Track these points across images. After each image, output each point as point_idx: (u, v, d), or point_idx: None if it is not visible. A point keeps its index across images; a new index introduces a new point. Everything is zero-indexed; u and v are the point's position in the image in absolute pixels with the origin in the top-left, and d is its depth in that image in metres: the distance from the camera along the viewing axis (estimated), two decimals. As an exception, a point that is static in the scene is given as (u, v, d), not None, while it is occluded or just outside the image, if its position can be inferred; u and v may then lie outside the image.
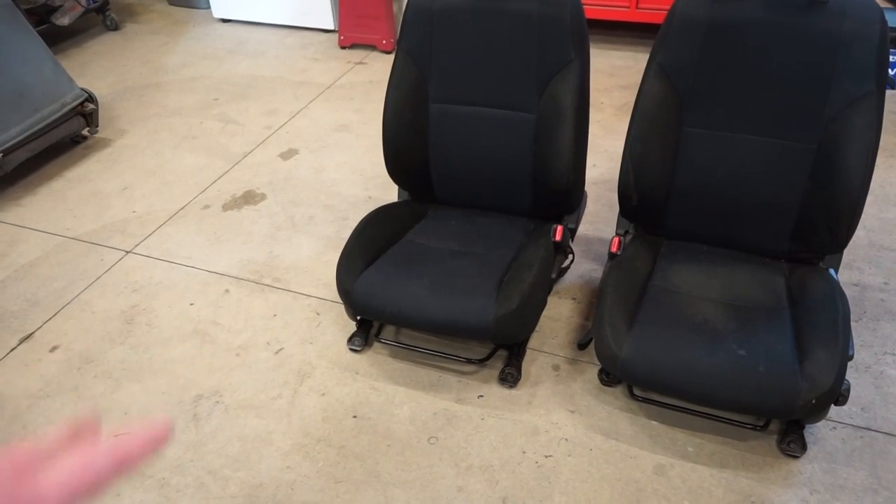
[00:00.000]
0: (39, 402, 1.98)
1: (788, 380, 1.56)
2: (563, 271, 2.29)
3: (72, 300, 2.35)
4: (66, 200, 2.87)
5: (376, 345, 2.11)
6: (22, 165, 2.92)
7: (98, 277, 2.44)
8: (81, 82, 3.60)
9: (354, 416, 1.90)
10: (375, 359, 2.07)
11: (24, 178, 3.01)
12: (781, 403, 1.56)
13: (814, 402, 1.54)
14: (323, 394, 1.97)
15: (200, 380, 2.03)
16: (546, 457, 1.76)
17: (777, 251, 1.92)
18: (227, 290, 2.36)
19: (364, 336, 2.11)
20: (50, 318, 2.28)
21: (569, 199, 2.10)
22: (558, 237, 2.01)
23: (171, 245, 2.59)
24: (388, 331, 2.14)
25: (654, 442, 1.78)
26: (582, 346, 2.03)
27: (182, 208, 2.79)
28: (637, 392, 1.87)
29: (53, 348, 2.16)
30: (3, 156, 2.76)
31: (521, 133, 2.04)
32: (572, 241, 2.27)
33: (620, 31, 4.07)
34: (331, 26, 4.23)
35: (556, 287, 2.29)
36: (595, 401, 1.90)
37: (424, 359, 2.04)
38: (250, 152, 3.15)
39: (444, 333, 1.83)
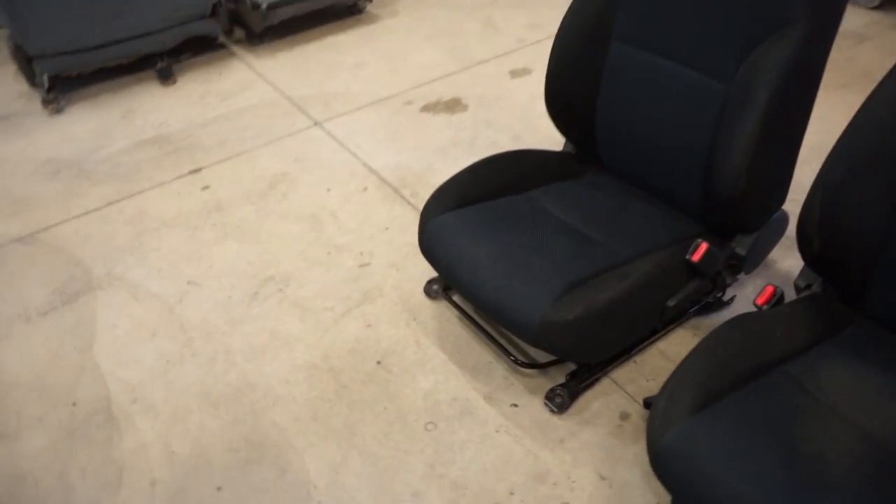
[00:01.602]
0: (163, 228, 2.14)
1: None
2: (709, 305, 1.71)
3: (246, 151, 2.46)
4: (307, 63, 3.00)
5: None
6: (297, 23, 3.11)
7: (279, 139, 2.52)
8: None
9: (378, 362, 1.68)
10: (441, 313, 1.80)
11: (291, 35, 3.21)
12: None
13: None
14: (369, 325, 1.78)
15: (283, 263, 1.98)
16: (533, 513, 1.36)
17: None
18: (365, 188, 2.25)
19: (443, 285, 1.84)
20: (221, 161, 2.42)
21: (741, 214, 1.50)
22: (695, 257, 1.46)
23: (353, 129, 2.54)
24: (470, 289, 1.84)
25: (679, 573, 1.26)
26: (647, 405, 1.50)
27: (387, 98, 2.72)
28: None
29: (205, 188, 2.30)
30: (267, 9, 2.95)
31: (706, 105, 1.49)
32: (745, 272, 1.66)
33: None
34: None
35: (698, 322, 1.72)
36: (641, 479, 1.40)
37: (485, 337, 1.71)
38: (486, 61, 2.92)
39: (488, 314, 1.48)
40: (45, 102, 2.74)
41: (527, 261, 1.49)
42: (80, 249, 2.07)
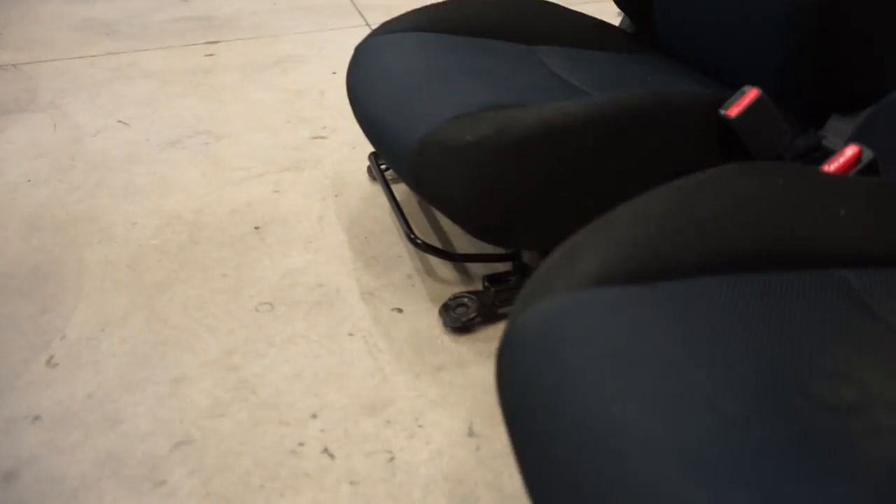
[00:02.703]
0: (139, 78, 1.82)
1: None
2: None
3: (274, 35, 2.12)
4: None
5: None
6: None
7: (317, 31, 2.16)
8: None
9: (256, 228, 1.19)
10: (374, 198, 1.28)
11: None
12: None
13: None
14: (276, 191, 1.29)
15: (232, 122, 1.57)
16: (326, 451, 0.78)
17: None
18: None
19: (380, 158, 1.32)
20: (242, 39, 2.10)
21: (828, 68, 0.85)
22: (733, 110, 0.84)
23: (402, 32, 2.12)
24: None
25: None
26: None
27: (459, 14, 2.27)
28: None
29: (209, 55, 1.98)
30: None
31: None
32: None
33: None
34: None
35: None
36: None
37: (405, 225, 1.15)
38: None
39: (371, 141, 0.95)
40: (122, -20, 2.60)
41: (454, 79, 0.93)
42: (46, 81, 1.81)
